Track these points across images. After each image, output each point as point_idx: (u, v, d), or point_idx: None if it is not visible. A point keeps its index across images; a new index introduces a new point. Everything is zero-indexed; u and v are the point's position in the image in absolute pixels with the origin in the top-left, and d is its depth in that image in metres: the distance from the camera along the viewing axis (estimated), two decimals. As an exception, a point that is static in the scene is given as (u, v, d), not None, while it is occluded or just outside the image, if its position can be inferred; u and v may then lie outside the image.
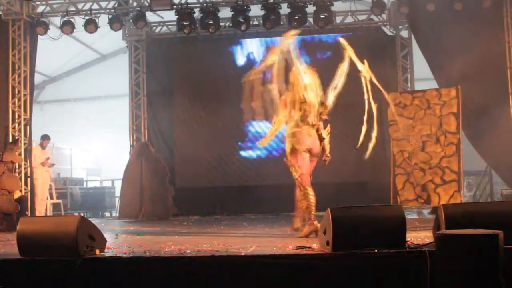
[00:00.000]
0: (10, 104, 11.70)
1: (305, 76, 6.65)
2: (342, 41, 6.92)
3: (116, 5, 11.77)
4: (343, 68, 6.77)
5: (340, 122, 7.69)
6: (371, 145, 6.83)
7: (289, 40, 6.70)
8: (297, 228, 7.04)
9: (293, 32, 6.79)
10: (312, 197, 6.60)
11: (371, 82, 6.86)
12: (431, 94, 10.07)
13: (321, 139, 6.76)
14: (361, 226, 4.72)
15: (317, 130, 6.70)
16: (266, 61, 6.70)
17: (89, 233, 5.03)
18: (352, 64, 6.84)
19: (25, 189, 11.41)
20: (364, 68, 6.85)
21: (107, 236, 5.56)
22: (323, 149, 6.84)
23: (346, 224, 4.73)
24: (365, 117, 6.80)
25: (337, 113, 7.42)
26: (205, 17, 11.52)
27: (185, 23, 11.62)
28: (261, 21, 11.86)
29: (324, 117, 6.74)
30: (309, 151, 6.64)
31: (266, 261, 4.66)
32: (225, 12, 12.22)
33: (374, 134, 6.84)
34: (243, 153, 12.67)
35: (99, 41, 15.52)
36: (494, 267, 3.88)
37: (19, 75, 11.81)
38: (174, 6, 11.40)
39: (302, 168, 6.53)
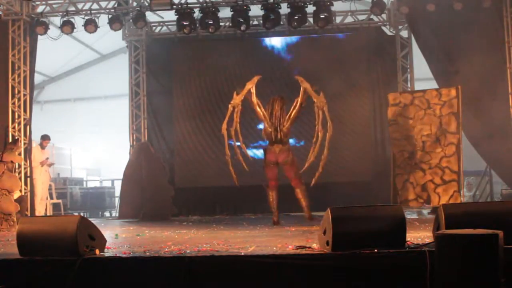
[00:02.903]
0: (10, 104, 11.71)
1: (260, 110, 8.63)
2: (299, 77, 8.68)
3: (116, 5, 11.76)
4: (298, 101, 8.54)
5: (340, 125, 8.73)
6: (317, 174, 8.51)
7: (252, 85, 8.61)
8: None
9: (256, 78, 8.72)
10: (270, 198, 8.74)
11: (322, 111, 8.45)
12: (431, 94, 10.06)
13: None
14: (361, 226, 4.72)
15: (285, 144, 8.56)
16: (244, 90, 8.64)
17: (89, 233, 5.03)
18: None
19: (25, 189, 11.41)
20: (318, 99, 8.50)
21: (107, 236, 5.56)
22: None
23: (346, 224, 4.73)
24: (313, 139, 8.55)
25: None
26: (205, 17, 11.51)
27: (185, 23, 11.61)
28: (261, 21, 11.86)
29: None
30: (275, 163, 8.59)
31: (266, 261, 4.66)
32: (225, 12, 12.22)
33: (324, 155, 8.41)
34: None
35: (99, 41, 15.51)
36: (494, 267, 3.88)
37: (19, 75, 11.82)
38: (174, 6, 11.39)
39: (268, 175, 8.69)
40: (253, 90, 8.67)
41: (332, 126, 8.43)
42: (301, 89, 8.60)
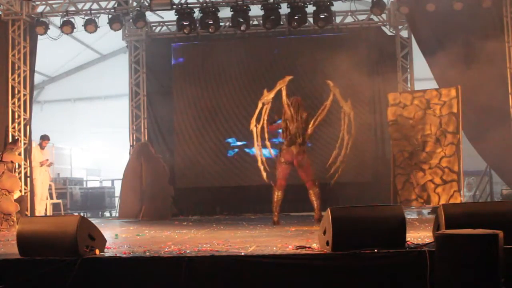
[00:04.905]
0: (10, 104, 11.70)
1: (290, 111, 8.62)
2: (330, 82, 8.92)
3: (116, 5, 11.75)
4: (327, 105, 8.74)
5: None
6: (338, 171, 8.74)
7: (283, 85, 8.66)
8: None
9: (288, 78, 8.80)
10: (275, 197, 8.83)
11: (349, 117, 8.76)
12: (431, 94, 10.07)
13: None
14: (361, 226, 4.72)
15: (302, 146, 8.67)
16: (276, 88, 8.68)
17: (89, 233, 5.03)
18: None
19: (25, 189, 11.41)
20: (346, 106, 8.78)
21: (107, 236, 5.56)
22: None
23: (346, 224, 4.73)
24: (337, 144, 8.79)
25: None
26: (205, 17, 11.50)
27: (185, 23, 11.60)
28: (261, 21, 11.86)
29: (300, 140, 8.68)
30: (290, 162, 8.69)
31: (266, 261, 4.66)
32: (225, 12, 12.22)
33: (340, 158, 8.74)
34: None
35: (99, 41, 15.51)
36: (494, 267, 3.88)
37: (19, 75, 11.82)
38: (174, 6, 11.39)
39: (279, 174, 8.79)
40: (284, 91, 8.70)
41: (355, 132, 8.81)
42: (331, 94, 8.77)
